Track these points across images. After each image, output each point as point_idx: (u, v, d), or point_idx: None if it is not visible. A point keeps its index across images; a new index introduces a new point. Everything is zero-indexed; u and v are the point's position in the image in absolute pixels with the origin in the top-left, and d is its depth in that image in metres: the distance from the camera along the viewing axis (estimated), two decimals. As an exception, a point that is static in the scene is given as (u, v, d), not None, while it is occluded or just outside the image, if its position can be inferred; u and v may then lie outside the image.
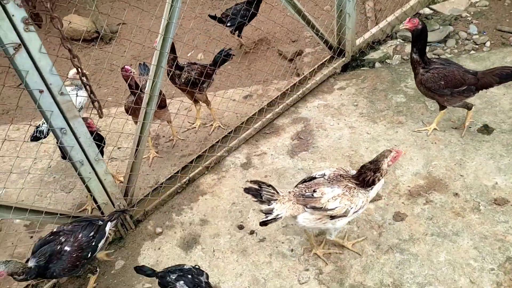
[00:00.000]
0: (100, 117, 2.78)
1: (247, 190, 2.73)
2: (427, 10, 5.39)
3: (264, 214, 2.77)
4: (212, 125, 4.42)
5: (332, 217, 2.79)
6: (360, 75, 4.73)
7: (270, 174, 3.85)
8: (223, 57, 4.16)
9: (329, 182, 2.82)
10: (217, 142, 4.04)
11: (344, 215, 2.79)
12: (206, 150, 3.96)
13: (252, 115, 4.24)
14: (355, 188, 2.78)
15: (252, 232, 3.40)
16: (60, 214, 3.08)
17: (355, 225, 3.33)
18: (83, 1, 5.96)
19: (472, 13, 5.28)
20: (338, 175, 2.86)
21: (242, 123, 4.17)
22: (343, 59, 4.75)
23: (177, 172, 3.79)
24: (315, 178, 2.90)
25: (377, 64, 4.85)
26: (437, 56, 4.72)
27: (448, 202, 3.36)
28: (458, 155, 3.67)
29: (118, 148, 4.23)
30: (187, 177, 3.81)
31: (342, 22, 4.47)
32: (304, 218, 2.80)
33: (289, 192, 2.83)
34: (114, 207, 3.28)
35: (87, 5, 5.79)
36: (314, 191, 2.77)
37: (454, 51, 4.81)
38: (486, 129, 3.83)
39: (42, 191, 3.98)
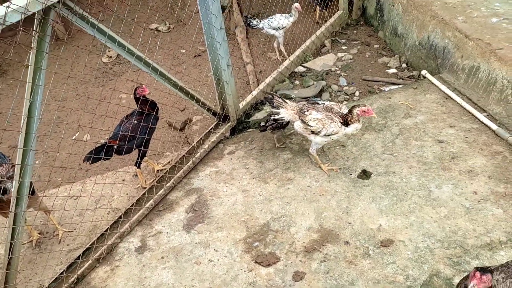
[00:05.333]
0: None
1: (265, 99, 4.22)
2: (301, 68, 5.82)
3: (273, 115, 4.13)
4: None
5: (312, 132, 3.93)
6: (247, 137, 4.86)
7: (167, 254, 3.68)
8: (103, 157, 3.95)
9: (321, 109, 3.92)
10: (107, 229, 3.80)
11: (317, 133, 3.90)
12: (94, 240, 3.70)
13: (143, 194, 4.10)
14: (333, 120, 3.83)
15: (151, 324, 3.17)
16: None
17: (257, 293, 3.27)
18: None
19: (340, 66, 5.80)
20: (331, 107, 3.94)
21: (132, 205, 4.00)
22: (229, 123, 4.88)
23: (63, 271, 3.47)
24: (317, 103, 4.05)
25: (262, 124, 5.04)
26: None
27: (341, 252, 3.46)
28: (344, 203, 3.86)
29: (-6, 255, 3.78)
30: (75, 275, 3.49)
31: (221, 90, 4.63)
32: (297, 125, 4.02)
33: (295, 106, 4.07)
34: (-14, 330, 2.86)
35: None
36: (307, 110, 3.94)
37: (329, 104, 5.20)
38: (365, 174, 4.10)
39: None
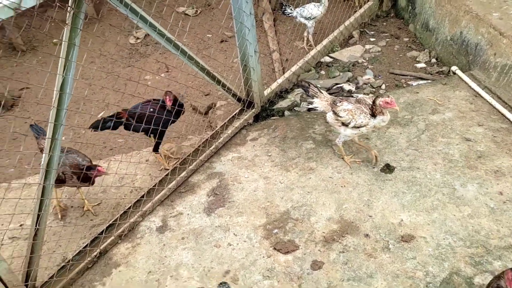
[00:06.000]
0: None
1: (302, 87, 4.22)
2: (327, 59, 5.76)
3: (307, 103, 4.26)
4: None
5: (343, 124, 3.90)
6: (271, 124, 4.86)
7: (187, 235, 3.74)
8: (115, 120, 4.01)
9: (353, 101, 3.91)
10: (129, 207, 3.87)
11: (347, 124, 3.87)
12: (117, 217, 3.77)
13: (166, 175, 4.15)
14: (362, 111, 3.80)
15: (170, 302, 3.24)
16: None
17: (275, 279, 3.30)
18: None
19: (367, 59, 5.72)
20: (363, 100, 3.89)
21: (155, 185, 4.06)
22: (253, 110, 4.88)
23: (86, 245, 3.55)
24: (352, 96, 4.10)
25: (286, 113, 5.04)
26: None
27: (360, 244, 3.46)
28: (366, 196, 3.84)
29: (20, 225, 3.89)
30: (98, 250, 3.58)
31: (247, 75, 4.62)
32: (329, 116, 4.02)
33: (330, 97, 4.09)
34: (12, 296, 2.96)
35: (-17, 72, 5.46)
36: (340, 101, 3.94)
37: (355, 95, 5.15)
38: (388, 168, 4.06)
39: None
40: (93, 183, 3.77)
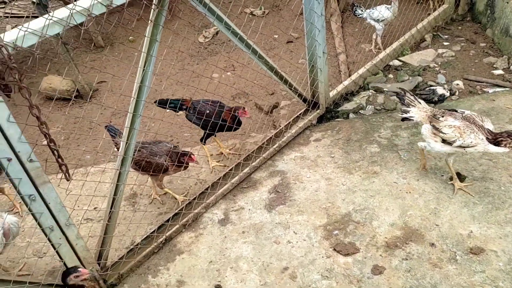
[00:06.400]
0: (67, 180, 2.76)
1: (396, 94, 4.07)
2: (396, 62, 5.62)
3: (402, 113, 3.91)
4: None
5: (443, 141, 3.59)
6: (335, 126, 4.83)
7: (248, 229, 3.82)
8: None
9: (459, 118, 3.60)
10: (194, 198, 4.02)
11: (451, 142, 3.54)
12: (183, 207, 3.93)
13: (229, 170, 4.27)
14: (473, 131, 3.47)
15: (229, 292, 3.33)
16: (29, 283, 2.98)
17: (333, 280, 3.29)
18: (63, 62, 6.09)
19: (439, 63, 5.51)
20: (472, 118, 3.58)
21: (219, 179, 4.18)
22: (318, 111, 4.87)
23: (153, 231, 3.74)
24: (456, 111, 3.70)
25: (351, 115, 4.98)
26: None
27: (425, 252, 3.35)
28: (433, 204, 3.71)
29: (94, 208, 4.18)
30: (164, 236, 3.76)
31: (314, 76, 4.63)
32: (426, 128, 3.73)
33: (428, 109, 3.82)
34: (87, 272, 3.19)
35: (67, 66, 5.91)
36: (442, 116, 3.65)
37: (424, 101, 4.98)
38: (458, 177, 3.89)
39: (14, 256, 3.86)
40: (185, 168, 4.00)
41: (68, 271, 2.98)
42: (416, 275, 3.21)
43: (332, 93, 4.99)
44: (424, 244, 3.41)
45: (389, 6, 5.52)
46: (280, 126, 4.80)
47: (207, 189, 4.11)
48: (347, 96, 5.21)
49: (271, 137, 4.57)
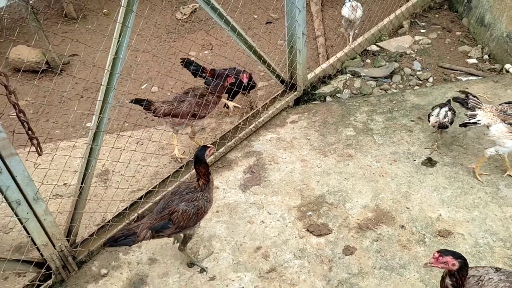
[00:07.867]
0: (39, 154, 2.66)
1: (456, 99, 3.69)
2: (374, 47, 5.65)
3: (467, 118, 3.55)
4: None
5: None
6: (311, 108, 4.83)
7: (222, 209, 3.80)
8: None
9: None
10: (168, 177, 3.96)
11: None
12: (156, 185, 3.87)
13: (205, 149, 4.21)
14: None
15: (202, 271, 3.32)
16: (-6, 258, 2.88)
17: (305, 260, 3.32)
18: (33, 32, 5.82)
19: (416, 50, 5.57)
20: None
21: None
22: (295, 93, 4.86)
23: (126, 208, 3.67)
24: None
25: (328, 98, 4.99)
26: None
27: (395, 234, 3.42)
28: (404, 187, 3.79)
29: (64, 184, 4.06)
30: (136, 214, 3.69)
31: (293, 57, 4.60)
32: (497, 128, 3.43)
33: (492, 107, 3.52)
34: (55, 248, 3.11)
35: (37, 36, 5.65)
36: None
37: (400, 86, 5.04)
38: (430, 162, 3.98)
39: (-22, 231, 3.73)
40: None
41: (205, 147, 3.11)
42: (386, 256, 3.28)
43: (310, 76, 4.98)
44: (395, 226, 3.49)
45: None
46: (257, 107, 4.77)
47: (181, 167, 4.05)
48: (324, 79, 5.20)
49: (247, 117, 4.53)
